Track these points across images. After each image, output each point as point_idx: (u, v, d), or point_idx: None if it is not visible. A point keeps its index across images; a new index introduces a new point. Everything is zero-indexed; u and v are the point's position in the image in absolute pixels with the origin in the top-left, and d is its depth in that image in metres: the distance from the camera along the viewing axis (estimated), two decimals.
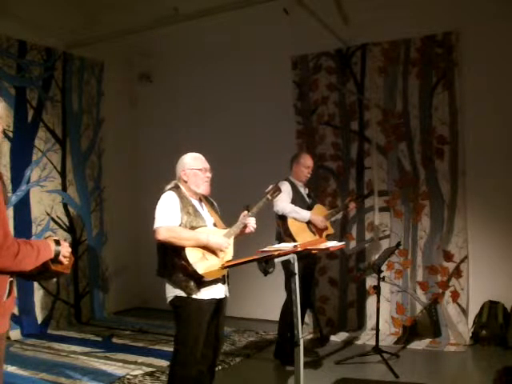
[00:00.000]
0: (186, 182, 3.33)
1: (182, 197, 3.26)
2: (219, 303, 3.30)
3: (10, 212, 5.60)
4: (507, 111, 5.22)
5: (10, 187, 5.62)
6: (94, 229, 6.64)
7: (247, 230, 3.39)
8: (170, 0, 5.39)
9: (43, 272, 2.26)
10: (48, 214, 6.01)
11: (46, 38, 5.99)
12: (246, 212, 3.37)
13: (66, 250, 2.32)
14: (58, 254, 2.27)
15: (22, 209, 5.74)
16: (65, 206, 6.25)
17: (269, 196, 3.46)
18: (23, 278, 2.32)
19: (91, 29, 6.14)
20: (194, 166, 3.34)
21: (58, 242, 2.29)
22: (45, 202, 5.99)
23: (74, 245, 6.32)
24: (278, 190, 3.50)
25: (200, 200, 3.40)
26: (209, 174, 3.37)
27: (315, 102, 6.07)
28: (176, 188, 3.32)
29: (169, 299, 3.24)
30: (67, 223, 6.26)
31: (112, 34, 5.92)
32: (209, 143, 6.35)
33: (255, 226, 3.40)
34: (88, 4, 6.21)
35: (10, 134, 5.65)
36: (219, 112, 6.58)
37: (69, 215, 6.28)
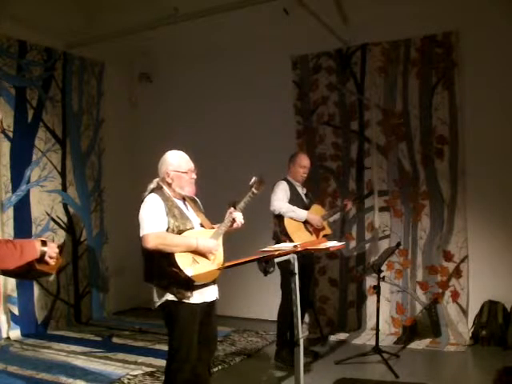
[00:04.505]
0: (169, 184, 3.21)
1: (166, 199, 3.15)
2: (210, 305, 3.25)
3: (10, 212, 5.61)
4: (507, 111, 5.21)
5: (10, 187, 5.62)
6: (94, 229, 6.64)
7: (235, 225, 3.28)
8: (170, 0, 5.39)
9: (29, 271, 2.31)
10: (48, 214, 6.01)
11: (46, 38, 5.98)
12: (232, 209, 3.26)
13: (52, 250, 2.35)
14: (43, 254, 2.31)
15: (22, 209, 5.73)
16: (65, 206, 6.24)
17: (254, 190, 3.27)
18: (10, 276, 2.37)
19: (91, 29, 6.14)
20: (178, 169, 3.20)
21: (44, 243, 2.33)
22: (45, 202, 5.98)
23: (74, 245, 6.33)
24: (262, 183, 3.29)
25: (184, 199, 3.28)
26: (194, 176, 3.25)
27: (315, 102, 6.07)
28: (159, 189, 3.21)
29: (158, 303, 3.14)
30: (67, 223, 6.25)
31: (112, 34, 5.92)
32: (209, 143, 6.41)
33: (243, 220, 3.29)
34: (88, 4, 6.22)
35: (10, 134, 5.65)
36: (219, 112, 6.58)
37: (69, 215, 6.27)
